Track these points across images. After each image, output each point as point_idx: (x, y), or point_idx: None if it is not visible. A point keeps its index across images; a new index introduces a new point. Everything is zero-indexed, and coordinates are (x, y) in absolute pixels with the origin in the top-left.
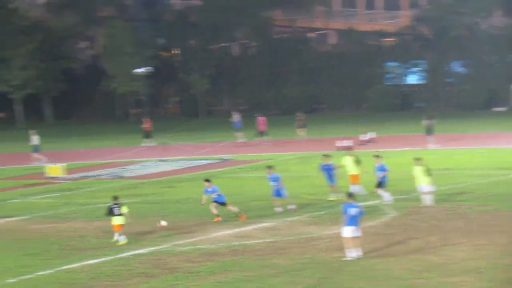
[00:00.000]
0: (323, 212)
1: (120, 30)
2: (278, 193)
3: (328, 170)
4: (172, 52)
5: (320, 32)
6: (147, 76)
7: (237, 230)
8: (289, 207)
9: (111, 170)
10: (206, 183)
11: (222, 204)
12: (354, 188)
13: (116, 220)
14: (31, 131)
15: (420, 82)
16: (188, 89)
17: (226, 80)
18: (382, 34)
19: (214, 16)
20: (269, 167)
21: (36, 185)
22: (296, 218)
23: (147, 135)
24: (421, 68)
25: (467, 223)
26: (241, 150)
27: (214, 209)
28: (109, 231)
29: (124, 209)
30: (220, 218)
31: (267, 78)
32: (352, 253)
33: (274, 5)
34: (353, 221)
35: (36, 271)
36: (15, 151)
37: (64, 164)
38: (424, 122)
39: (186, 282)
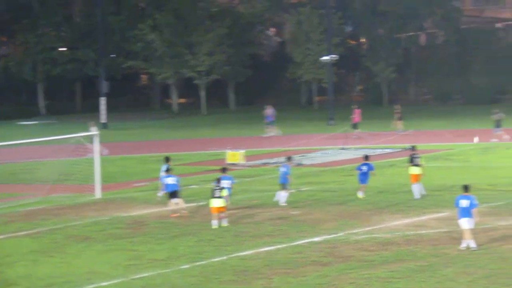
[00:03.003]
0: (502, 203)
1: (308, 17)
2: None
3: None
4: (359, 40)
5: (509, 22)
6: (332, 63)
7: (413, 219)
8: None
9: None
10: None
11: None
12: None
13: (215, 203)
14: (90, 123)
15: None
16: (373, 77)
17: (412, 69)
18: None
19: (403, 5)
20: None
21: (216, 171)
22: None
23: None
24: None
25: None
26: (422, 140)
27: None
28: (284, 218)
29: (224, 192)
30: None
31: (453, 68)
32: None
33: None
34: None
35: (210, 258)
36: (197, 136)
37: (243, 151)
38: None
39: (358, 271)
